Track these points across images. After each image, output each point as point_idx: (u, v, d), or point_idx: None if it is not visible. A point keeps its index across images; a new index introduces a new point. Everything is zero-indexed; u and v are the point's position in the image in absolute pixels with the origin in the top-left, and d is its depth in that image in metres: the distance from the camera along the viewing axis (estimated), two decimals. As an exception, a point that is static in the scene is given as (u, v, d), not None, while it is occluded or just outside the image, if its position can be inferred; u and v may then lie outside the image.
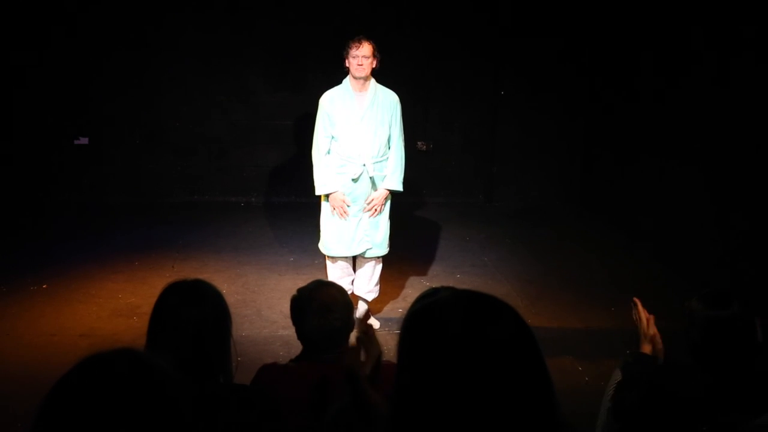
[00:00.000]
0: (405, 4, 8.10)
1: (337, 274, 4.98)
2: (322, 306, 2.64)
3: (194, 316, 2.15)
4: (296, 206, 8.16)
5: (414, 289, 5.68)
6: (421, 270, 6.22)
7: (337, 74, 8.14)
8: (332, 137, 4.88)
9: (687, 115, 6.19)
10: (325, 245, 4.99)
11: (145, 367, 1.24)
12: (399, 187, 4.95)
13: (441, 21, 8.13)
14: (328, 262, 5.05)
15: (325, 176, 4.85)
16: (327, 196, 4.89)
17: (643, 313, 2.71)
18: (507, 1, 8.06)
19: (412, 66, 8.28)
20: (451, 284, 5.53)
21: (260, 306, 5.42)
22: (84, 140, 8.03)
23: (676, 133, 6.38)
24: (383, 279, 5.94)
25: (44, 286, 5.62)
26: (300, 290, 2.79)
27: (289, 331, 4.90)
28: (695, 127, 6.07)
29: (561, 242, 7.14)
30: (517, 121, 8.41)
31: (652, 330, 2.67)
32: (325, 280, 2.90)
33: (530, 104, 8.35)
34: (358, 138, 4.83)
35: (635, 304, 2.75)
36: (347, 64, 4.93)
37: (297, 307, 2.73)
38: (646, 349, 2.65)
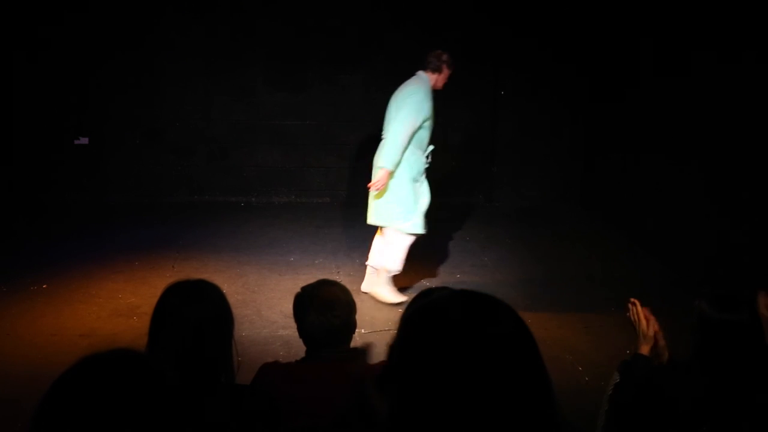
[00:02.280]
0: (404, 4, 8.10)
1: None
2: (323, 303, 2.65)
3: (195, 316, 2.15)
4: (296, 206, 8.17)
5: (414, 289, 5.68)
6: (421, 270, 6.21)
7: (336, 74, 8.20)
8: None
9: (687, 114, 6.19)
10: (416, 225, 5.40)
11: (143, 367, 1.24)
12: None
13: (441, 21, 8.13)
14: (405, 240, 5.41)
15: (400, 156, 5.32)
16: (392, 173, 5.34)
17: (642, 314, 2.70)
18: (507, 1, 8.06)
19: (412, 66, 8.26)
20: (451, 284, 5.54)
21: (260, 306, 5.41)
22: (84, 140, 8.03)
23: (676, 133, 6.38)
24: (383, 279, 5.95)
25: (44, 286, 5.62)
26: (304, 288, 2.81)
27: (289, 331, 4.91)
28: (696, 126, 6.07)
29: (561, 242, 7.14)
30: (518, 121, 8.41)
31: (652, 331, 2.67)
32: (329, 279, 2.90)
33: (530, 104, 8.35)
34: (431, 131, 5.57)
35: (633, 305, 2.74)
36: (437, 72, 5.63)
37: (299, 303, 2.74)
38: (644, 350, 2.65)
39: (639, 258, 6.62)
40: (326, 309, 2.64)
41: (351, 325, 2.72)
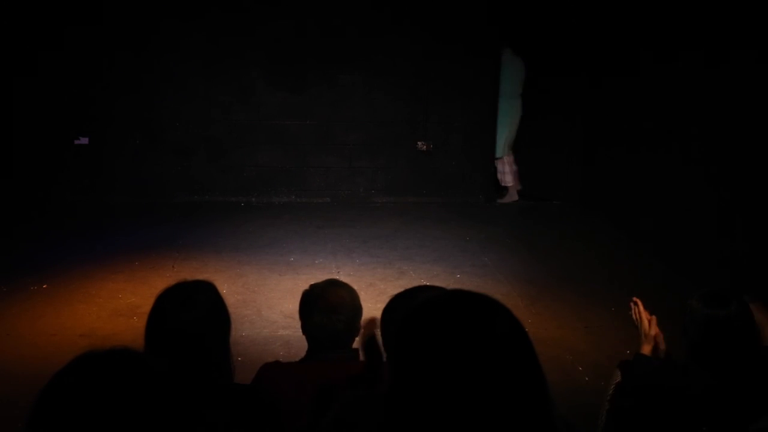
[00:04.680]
0: (404, 3, 8.10)
1: None
2: (328, 305, 2.64)
3: (190, 320, 2.15)
4: (296, 206, 8.16)
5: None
6: (421, 270, 6.22)
7: (336, 74, 8.20)
8: None
9: (688, 113, 6.19)
10: None
11: (141, 366, 1.24)
12: None
13: (440, 21, 8.13)
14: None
15: None
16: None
17: (644, 314, 2.70)
18: (506, 0, 8.06)
19: (412, 66, 8.28)
20: (451, 284, 5.53)
21: (260, 306, 5.41)
22: (84, 140, 8.03)
23: (677, 132, 6.38)
24: (383, 279, 5.96)
25: (44, 286, 5.62)
26: (312, 286, 2.79)
27: (289, 331, 4.91)
28: (697, 125, 6.07)
29: (561, 242, 7.14)
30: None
31: (654, 330, 2.67)
32: (339, 281, 2.88)
33: (530, 103, 8.35)
34: None
35: (636, 304, 2.75)
36: None
37: (305, 302, 2.72)
38: (646, 349, 2.65)
39: (639, 257, 6.62)
40: (331, 311, 2.62)
41: (354, 330, 2.71)
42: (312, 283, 2.85)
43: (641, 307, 2.72)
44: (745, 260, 5.40)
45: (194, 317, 2.16)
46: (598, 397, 2.70)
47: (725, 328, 2.39)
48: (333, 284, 2.81)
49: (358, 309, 2.73)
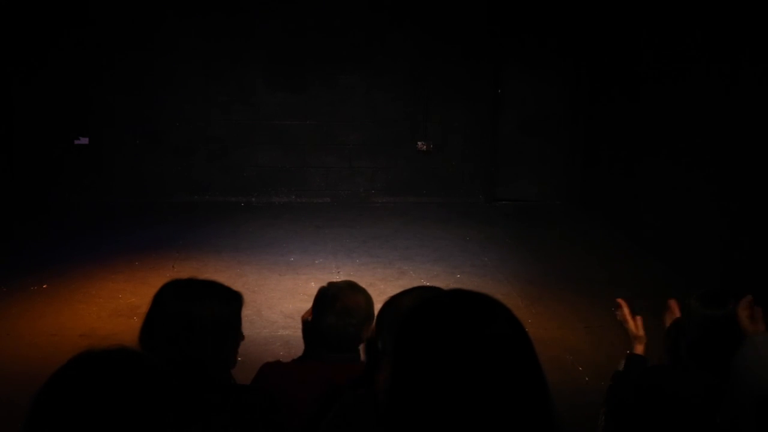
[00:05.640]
0: (404, 4, 8.10)
1: None
2: (344, 308, 2.63)
3: (190, 314, 2.14)
4: (296, 206, 8.16)
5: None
6: (421, 270, 6.22)
7: (336, 74, 8.20)
8: None
9: (689, 114, 6.18)
10: None
11: (140, 365, 1.24)
12: None
13: (440, 21, 8.13)
14: None
15: None
16: None
17: (629, 315, 2.71)
18: (506, 1, 8.06)
19: (412, 66, 8.28)
20: (451, 284, 5.53)
21: (260, 306, 5.41)
22: (84, 140, 8.03)
23: (677, 133, 6.38)
24: (383, 279, 5.95)
25: (44, 286, 5.62)
26: (330, 284, 2.78)
27: (289, 331, 4.91)
28: (697, 126, 6.07)
29: (561, 242, 7.14)
30: (517, 121, 8.42)
31: (642, 331, 2.67)
32: (358, 285, 2.86)
33: (530, 104, 8.36)
34: None
35: (619, 306, 2.75)
36: None
37: (320, 299, 2.71)
38: (639, 349, 2.66)
39: (639, 258, 6.62)
40: (345, 314, 2.62)
41: (363, 336, 2.70)
42: (319, 281, 2.85)
43: (626, 309, 2.72)
44: (745, 260, 5.40)
45: (199, 310, 2.15)
46: (598, 397, 2.70)
47: (723, 327, 2.38)
48: (351, 287, 2.79)
49: (371, 316, 2.71)
